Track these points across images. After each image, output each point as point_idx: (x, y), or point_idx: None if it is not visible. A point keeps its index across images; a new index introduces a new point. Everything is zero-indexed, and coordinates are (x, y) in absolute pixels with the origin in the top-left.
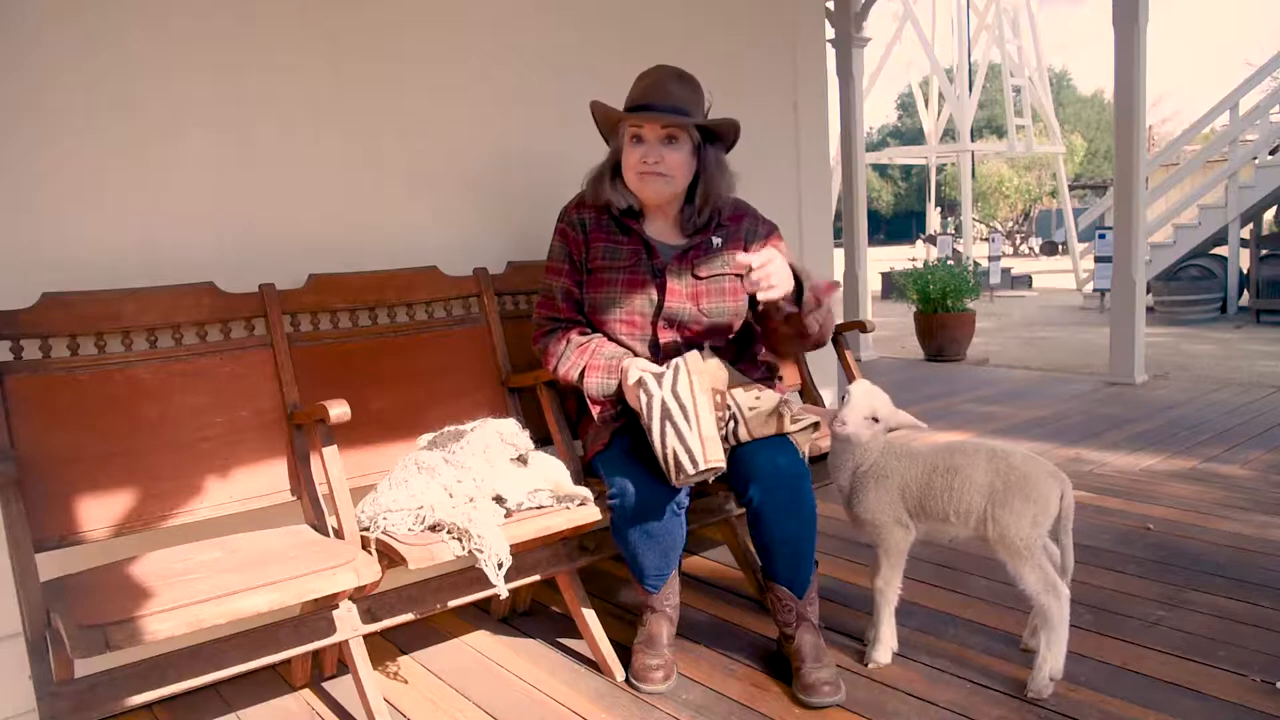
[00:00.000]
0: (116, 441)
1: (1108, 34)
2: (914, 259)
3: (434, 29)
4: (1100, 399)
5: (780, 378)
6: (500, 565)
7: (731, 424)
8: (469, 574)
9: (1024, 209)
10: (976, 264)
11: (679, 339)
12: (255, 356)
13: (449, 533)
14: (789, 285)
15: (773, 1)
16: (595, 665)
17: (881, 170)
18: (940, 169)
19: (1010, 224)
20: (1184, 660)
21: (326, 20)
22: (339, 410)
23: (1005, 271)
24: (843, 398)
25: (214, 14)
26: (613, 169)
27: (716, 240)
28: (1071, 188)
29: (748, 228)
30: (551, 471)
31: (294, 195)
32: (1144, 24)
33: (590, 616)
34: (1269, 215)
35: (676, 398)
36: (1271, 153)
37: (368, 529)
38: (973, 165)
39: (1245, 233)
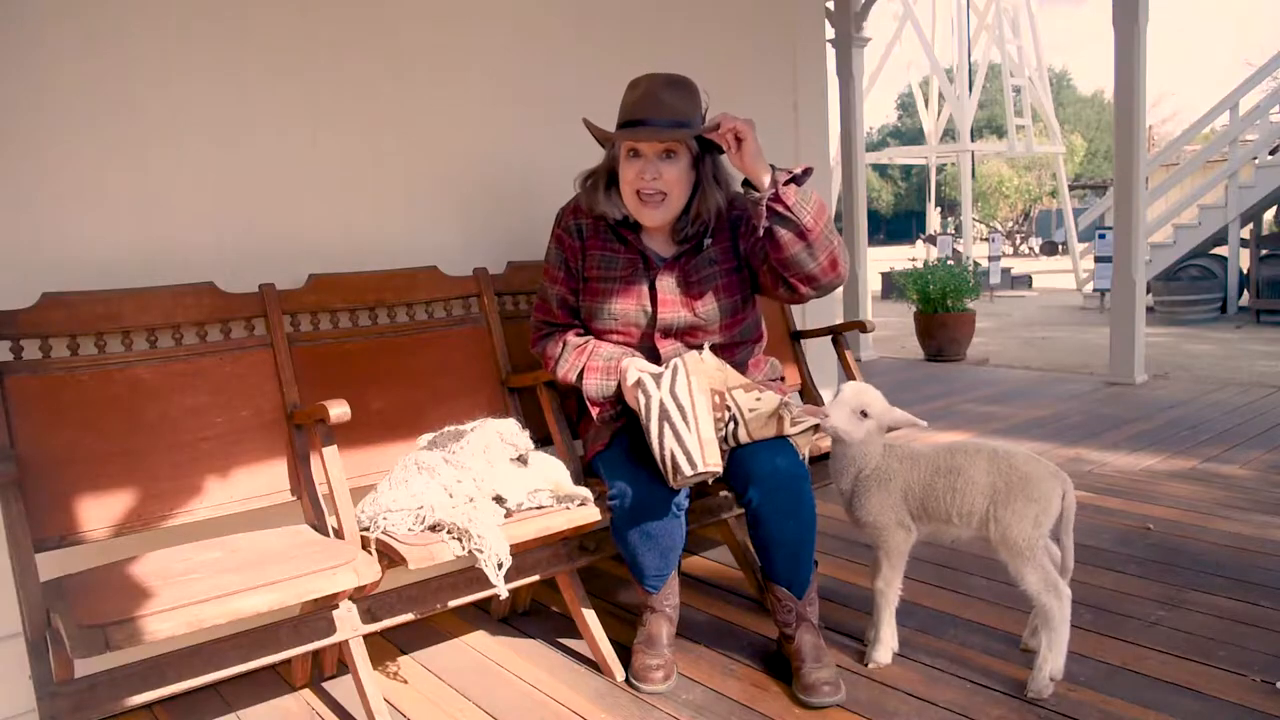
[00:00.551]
0: (116, 441)
1: (1108, 34)
2: (914, 259)
3: (434, 29)
4: (1100, 399)
5: (781, 378)
6: (500, 565)
7: (732, 425)
8: (469, 574)
9: (1024, 209)
10: (976, 264)
11: (679, 346)
12: (255, 356)
13: (449, 533)
14: (759, 151)
15: (773, 1)
16: (595, 665)
17: (881, 170)
18: (940, 169)
19: (1010, 224)
20: (1184, 660)
21: (326, 21)
22: (339, 410)
23: (1005, 271)
24: (836, 394)
25: (214, 14)
26: (609, 179)
27: (707, 242)
28: (1071, 188)
29: (734, 216)
30: (551, 471)
31: (294, 195)
32: (1144, 24)
33: (590, 616)
34: (1269, 215)
35: (675, 399)
36: (1271, 153)
37: (368, 529)
38: (973, 165)
39: (1245, 233)
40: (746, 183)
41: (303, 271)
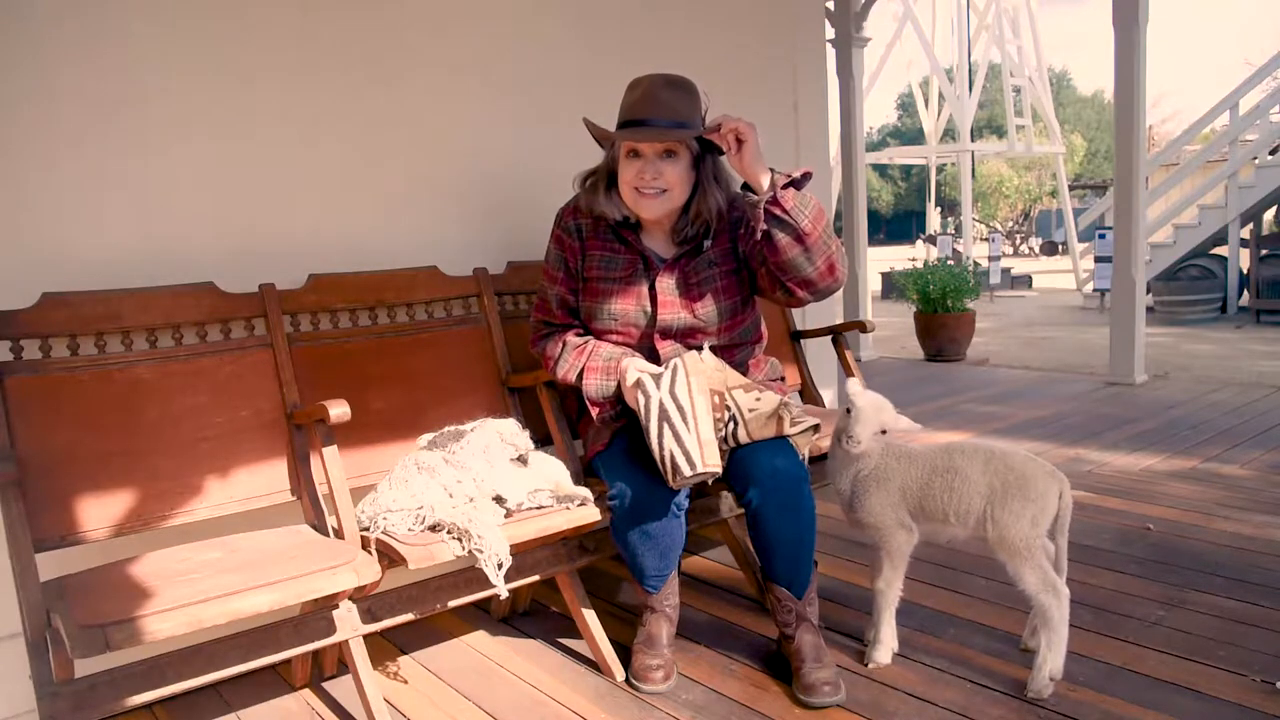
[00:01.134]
0: (116, 441)
1: (1108, 34)
2: (914, 259)
3: (434, 30)
4: (1100, 399)
5: (781, 379)
6: (500, 565)
7: (731, 425)
8: (469, 574)
9: (1024, 209)
10: (976, 264)
11: (678, 347)
12: (255, 356)
13: (449, 533)
14: (759, 154)
15: (773, 1)
16: (595, 665)
17: (881, 170)
18: (940, 169)
19: (1010, 224)
20: (1184, 660)
21: (327, 21)
22: (339, 410)
23: (1005, 271)
24: (847, 410)
25: (215, 15)
26: (608, 180)
27: (706, 243)
28: (1071, 188)
29: (734, 217)
30: (551, 471)
31: (294, 195)
32: (1144, 24)
33: (590, 616)
34: (1269, 215)
35: (675, 399)
36: (1271, 153)
37: (368, 529)
38: (973, 165)
39: (1245, 233)
40: (745, 185)
41: (303, 271)
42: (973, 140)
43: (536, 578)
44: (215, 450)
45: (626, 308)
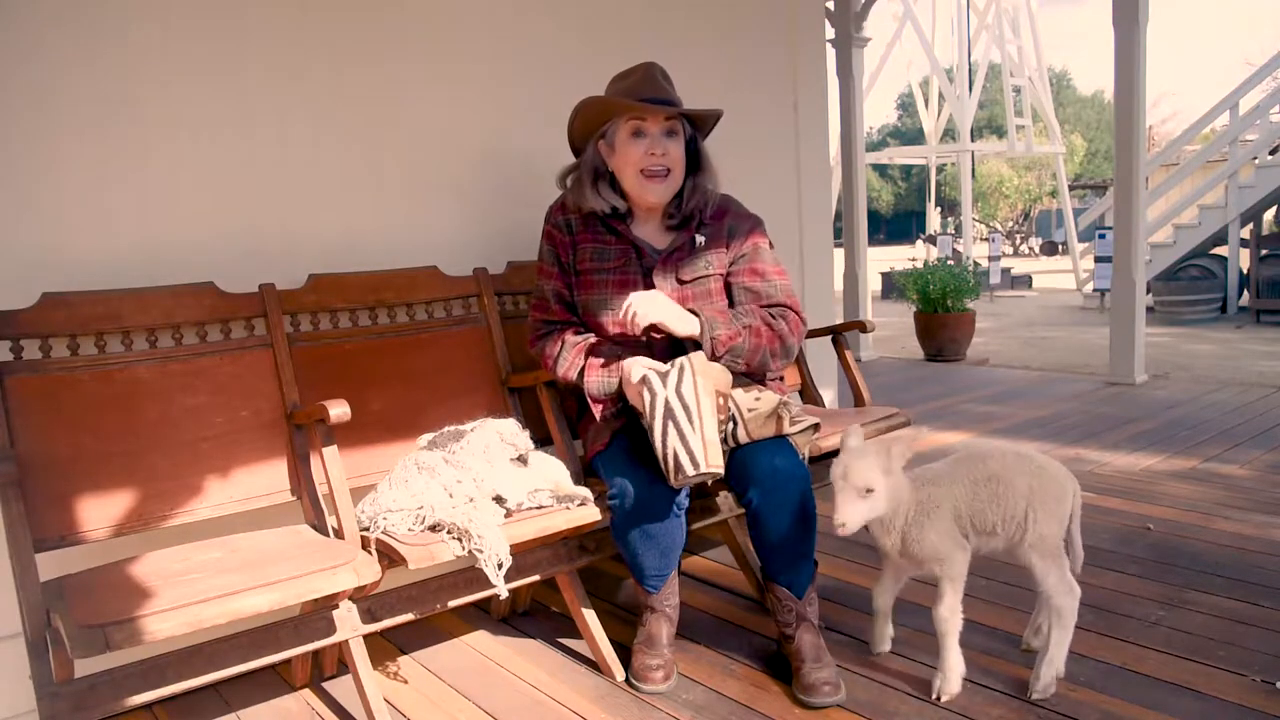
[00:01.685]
0: (116, 441)
1: (1108, 34)
2: (914, 259)
3: (434, 31)
4: (1100, 399)
5: (780, 378)
6: (500, 565)
7: (731, 425)
8: (469, 574)
9: (1024, 209)
10: (976, 264)
11: (670, 340)
12: (255, 356)
13: (449, 533)
14: (663, 316)
15: (773, 1)
16: (595, 665)
17: (881, 170)
18: (940, 169)
19: (1010, 224)
20: (1184, 660)
21: (326, 22)
22: (339, 410)
23: (1005, 271)
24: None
25: (215, 15)
26: (593, 175)
27: (700, 239)
28: (1071, 188)
29: (730, 225)
30: (551, 471)
31: (294, 195)
32: (1144, 24)
33: (590, 616)
34: (1269, 215)
35: (681, 398)
36: (1271, 153)
37: (368, 529)
38: (973, 165)
39: (1245, 233)
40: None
41: (303, 271)
42: (973, 140)
43: (536, 578)
44: (215, 450)
45: (622, 298)
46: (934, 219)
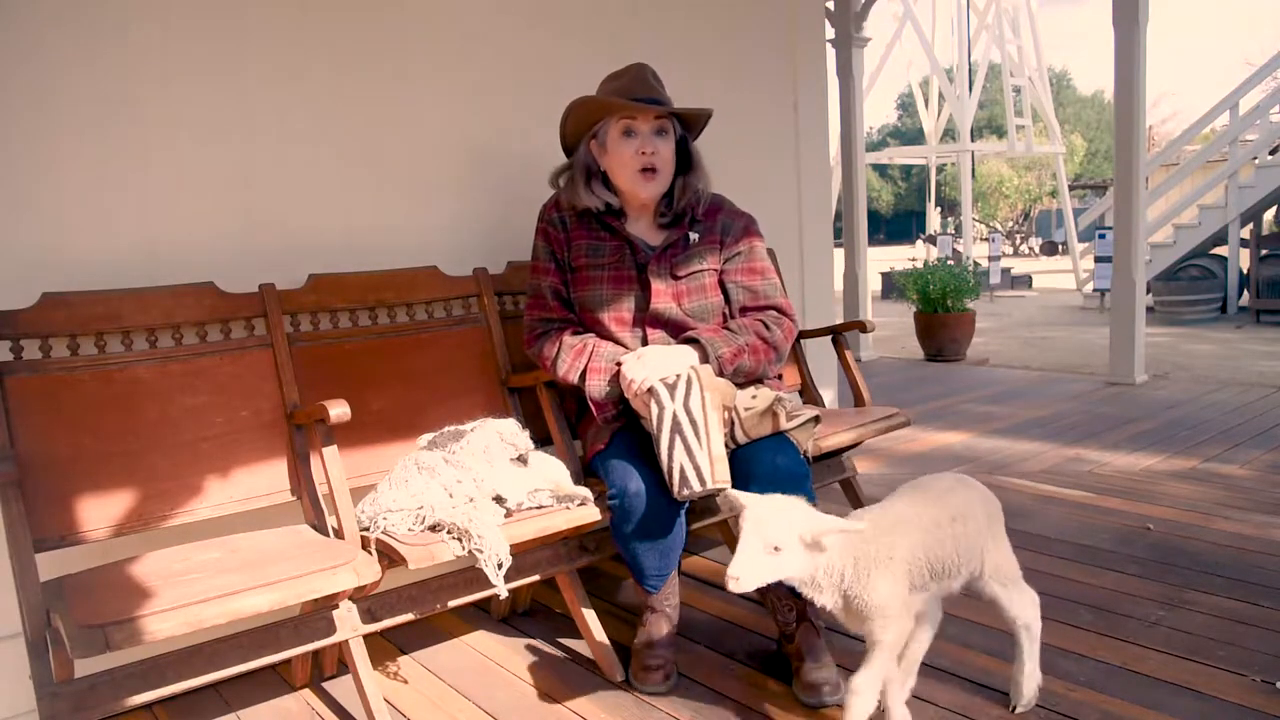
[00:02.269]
0: (116, 441)
1: (1108, 34)
2: (914, 259)
3: (435, 31)
4: (1100, 399)
5: (779, 376)
6: (500, 565)
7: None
8: (469, 574)
9: (1024, 209)
10: (976, 264)
11: (667, 337)
12: (255, 356)
13: (449, 533)
14: (658, 370)
15: (773, 1)
16: (595, 665)
17: (881, 170)
18: (940, 169)
19: (1010, 224)
20: (1184, 660)
21: (326, 20)
22: (339, 410)
23: (1005, 271)
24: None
25: (214, 15)
26: (586, 173)
27: (693, 236)
28: (1071, 188)
29: (724, 222)
30: (551, 471)
31: (294, 195)
32: (1144, 24)
33: (590, 616)
34: (1269, 215)
35: (689, 413)
36: (1271, 153)
37: (368, 529)
38: (973, 165)
39: (1245, 233)
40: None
41: (303, 271)
42: (973, 140)
43: (536, 578)
44: (215, 450)
45: (616, 293)
46: (934, 219)
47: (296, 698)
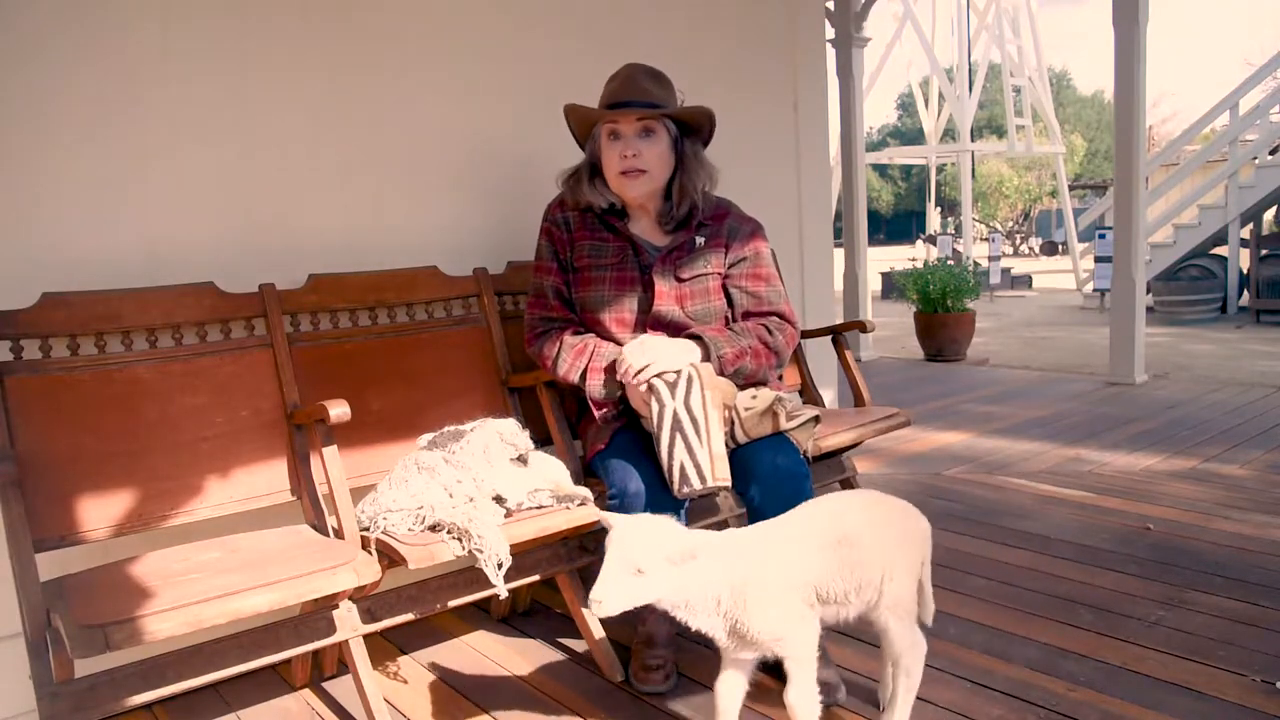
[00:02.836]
0: (116, 441)
1: (1108, 34)
2: (914, 259)
3: (435, 31)
4: (1100, 399)
5: (780, 377)
6: (500, 565)
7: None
8: (469, 574)
9: (1024, 209)
10: (976, 264)
11: (669, 338)
12: (255, 356)
13: (449, 533)
14: (658, 360)
15: (773, 1)
16: (595, 665)
17: (881, 170)
18: (940, 169)
19: (1010, 224)
20: (1184, 660)
21: (326, 23)
22: (339, 410)
23: (1005, 271)
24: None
25: (214, 15)
26: (590, 170)
27: (699, 239)
28: (1071, 188)
29: (730, 226)
30: (551, 471)
31: (294, 195)
32: (1144, 24)
33: (590, 616)
34: (1269, 215)
35: (689, 411)
36: (1271, 153)
37: (368, 529)
38: (973, 165)
39: (1245, 233)
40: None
41: (303, 271)
42: (973, 140)
43: (536, 578)
44: (215, 450)
45: (619, 294)
46: (934, 219)
47: (296, 698)
